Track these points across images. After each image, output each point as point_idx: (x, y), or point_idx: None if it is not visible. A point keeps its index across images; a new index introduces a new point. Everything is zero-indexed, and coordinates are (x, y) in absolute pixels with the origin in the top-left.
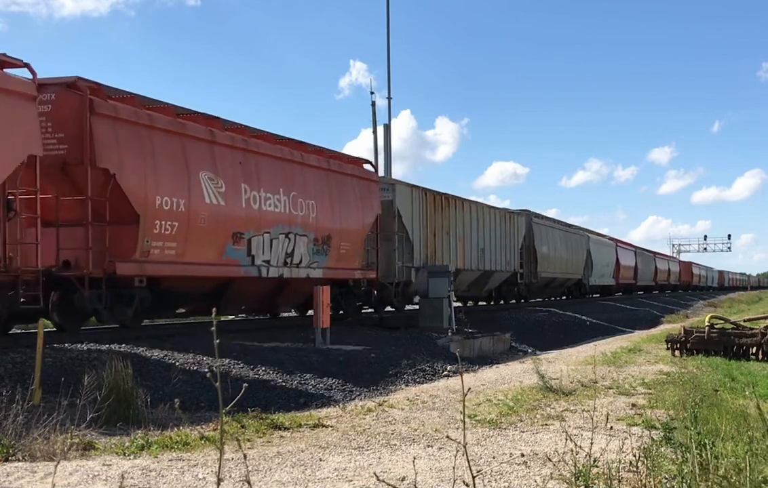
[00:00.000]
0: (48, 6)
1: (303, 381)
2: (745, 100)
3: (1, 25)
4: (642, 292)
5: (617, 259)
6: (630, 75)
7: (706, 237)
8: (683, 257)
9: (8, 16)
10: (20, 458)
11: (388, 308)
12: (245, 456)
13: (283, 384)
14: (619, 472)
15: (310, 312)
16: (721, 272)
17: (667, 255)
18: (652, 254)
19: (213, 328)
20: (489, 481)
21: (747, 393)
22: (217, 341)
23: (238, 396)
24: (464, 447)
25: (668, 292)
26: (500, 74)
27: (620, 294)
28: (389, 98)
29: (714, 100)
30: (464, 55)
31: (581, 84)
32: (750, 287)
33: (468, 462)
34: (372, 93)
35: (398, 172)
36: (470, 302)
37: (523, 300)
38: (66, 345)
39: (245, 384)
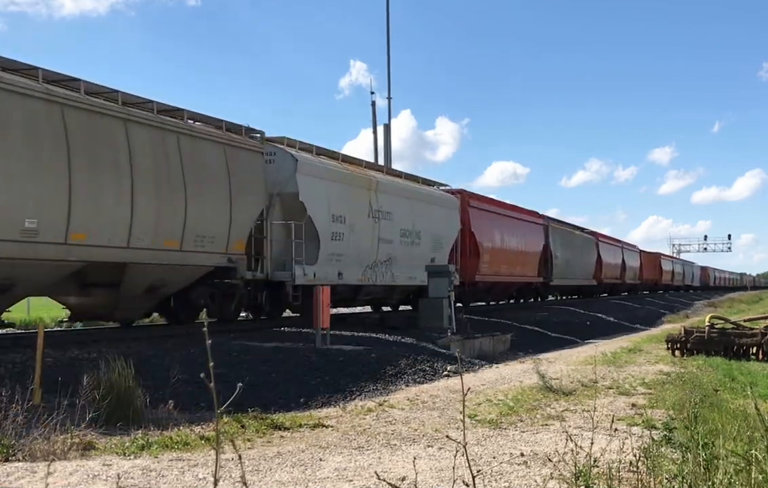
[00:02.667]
0: (47, 6)
1: (303, 381)
2: (745, 100)
3: (0, 25)
4: (578, 296)
5: (503, 237)
6: (630, 75)
7: (706, 237)
8: (684, 257)
9: (7, 16)
10: (20, 458)
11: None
12: (240, 457)
13: (284, 384)
14: (619, 472)
15: None
16: (704, 269)
17: (620, 242)
18: (593, 237)
19: (204, 329)
20: (489, 481)
21: (747, 393)
22: (209, 341)
23: (233, 396)
24: (464, 447)
25: (625, 294)
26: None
27: (512, 302)
28: (389, 98)
29: (714, 100)
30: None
31: (581, 84)
32: (749, 287)
33: (468, 462)
34: (372, 93)
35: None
36: None
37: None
38: (66, 345)
39: (240, 385)
